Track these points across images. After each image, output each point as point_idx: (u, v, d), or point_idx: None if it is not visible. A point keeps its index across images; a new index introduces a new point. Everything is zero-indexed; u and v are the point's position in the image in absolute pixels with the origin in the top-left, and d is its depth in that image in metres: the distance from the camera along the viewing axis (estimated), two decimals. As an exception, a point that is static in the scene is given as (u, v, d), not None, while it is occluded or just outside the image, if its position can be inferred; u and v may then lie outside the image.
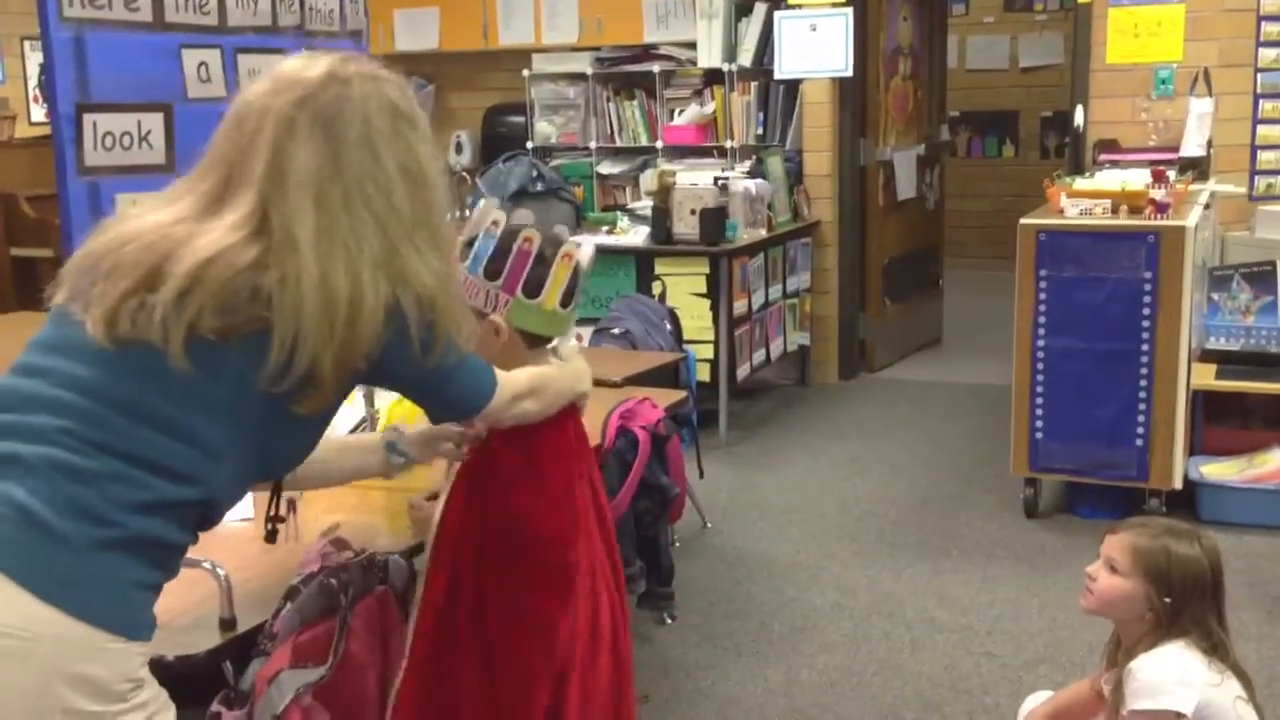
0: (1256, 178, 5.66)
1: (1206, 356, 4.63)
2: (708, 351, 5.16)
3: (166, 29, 2.04)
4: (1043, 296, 4.15)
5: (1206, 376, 4.46)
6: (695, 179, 5.45)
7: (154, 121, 2.00)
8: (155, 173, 2.05)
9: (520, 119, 7.18)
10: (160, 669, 1.65)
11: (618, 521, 3.10)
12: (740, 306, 5.29)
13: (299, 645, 2.04)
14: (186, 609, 2.00)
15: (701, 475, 4.33)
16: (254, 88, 1.63)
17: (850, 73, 5.93)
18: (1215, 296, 4.82)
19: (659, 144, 6.71)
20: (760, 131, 6.44)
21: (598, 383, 3.59)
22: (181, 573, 1.63)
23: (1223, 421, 4.46)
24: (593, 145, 6.98)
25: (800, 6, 5.94)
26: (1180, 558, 2.23)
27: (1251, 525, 4.13)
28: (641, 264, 5.25)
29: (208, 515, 1.61)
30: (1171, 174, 4.50)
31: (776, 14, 6.01)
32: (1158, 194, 4.11)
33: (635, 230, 5.41)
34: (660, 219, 5.19)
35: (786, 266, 5.78)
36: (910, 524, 4.36)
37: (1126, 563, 2.25)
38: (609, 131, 6.98)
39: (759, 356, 5.54)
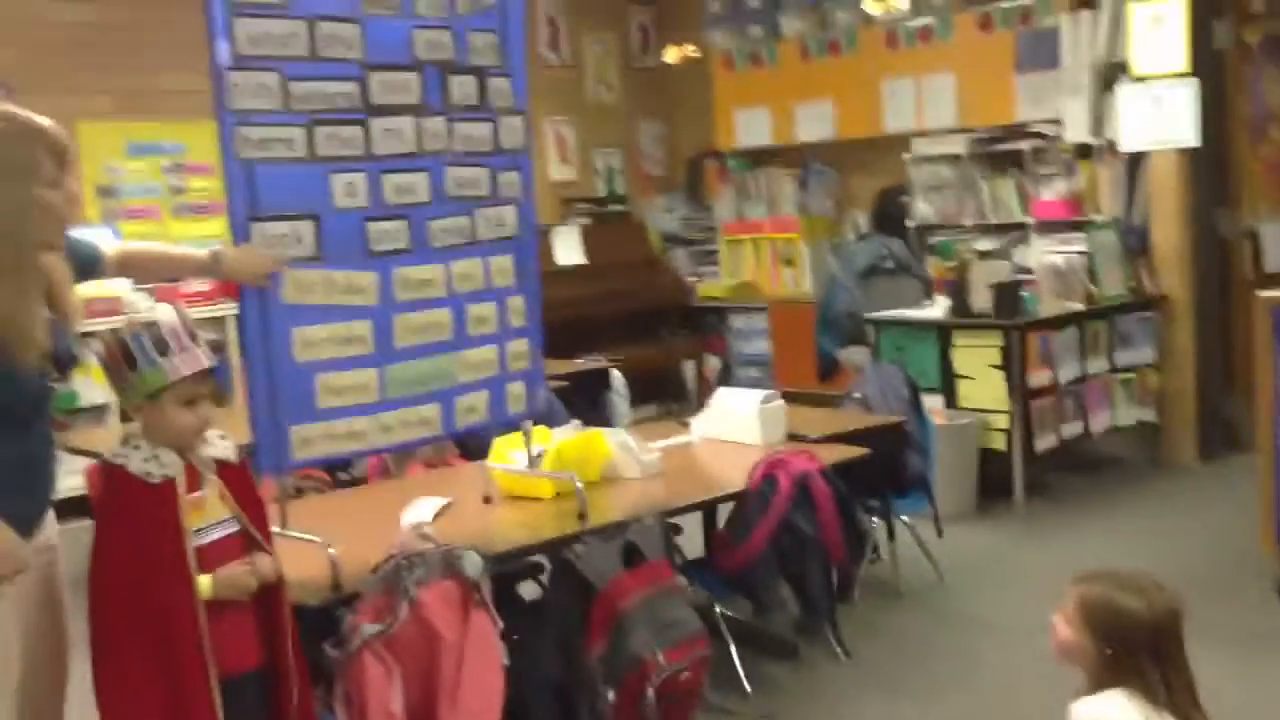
0: None
1: None
2: (1003, 421, 5.29)
3: (316, 160, 2.88)
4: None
5: None
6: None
7: (305, 227, 2.85)
8: (307, 261, 2.89)
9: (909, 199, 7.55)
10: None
11: (755, 556, 3.55)
12: (1043, 378, 5.36)
13: (377, 606, 2.77)
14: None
15: (940, 534, 4.55)
16: None
17: (1197, 143, 5.76)
18: None
19: (1030, 220, 6.82)
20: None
21: (793, 437, 4.02)
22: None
23: None
24: (968, 223, 7.21)
25: (1144, 80, 5.87)
26: (1121, 611, 2.31)
27: None
28: (942, 337, 5.50)
29: None
30: None
31: (1118, 87, 5.98)
32: None
33: (940, 305, 5.66)
34: (958, 294, 5.42)
35: (1115, 340, 5.71)
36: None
37: (1074, 615, 2.36)
38: (983, 209, 7.18)
39: (1073, 429, 5.53)
